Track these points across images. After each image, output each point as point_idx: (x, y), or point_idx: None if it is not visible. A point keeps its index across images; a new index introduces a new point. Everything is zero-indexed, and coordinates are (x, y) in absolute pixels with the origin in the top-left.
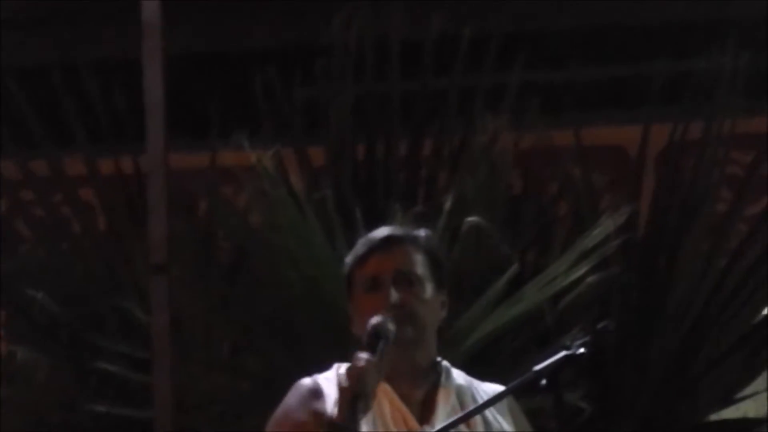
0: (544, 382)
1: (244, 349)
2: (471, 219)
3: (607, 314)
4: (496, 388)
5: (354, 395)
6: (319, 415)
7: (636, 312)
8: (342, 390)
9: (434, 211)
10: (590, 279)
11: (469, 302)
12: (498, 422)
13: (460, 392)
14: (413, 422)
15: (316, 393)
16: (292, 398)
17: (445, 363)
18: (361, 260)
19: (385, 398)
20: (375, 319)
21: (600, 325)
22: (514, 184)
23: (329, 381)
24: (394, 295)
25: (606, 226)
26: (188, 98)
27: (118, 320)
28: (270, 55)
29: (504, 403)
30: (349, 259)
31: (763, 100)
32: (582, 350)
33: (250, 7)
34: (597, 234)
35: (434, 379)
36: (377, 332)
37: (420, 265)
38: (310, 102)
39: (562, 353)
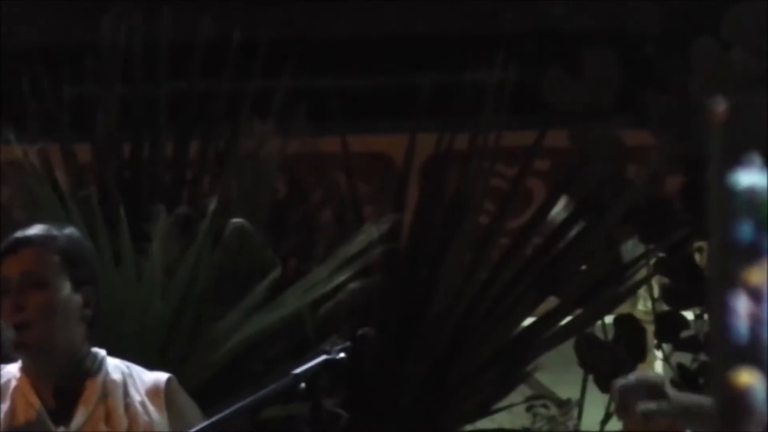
0: (302, 386)
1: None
2: (235, 221)
3: (368, 322)
4: (156, 377)
5: None
6: None
7: (397, 321)
8: None
9: (198, 212)
10: (352, 286)
11: (229, 306)
12: (148, 414)
13: (109, 389)
14: (48, 423)
15: None
16: None
17: (99, 357)
18: None
19: (21, 397)
20: None
21: (360, 332)
22: (279, 190)
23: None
24: (16, 298)
25: (369, 234)
26: None
27: None
28: (39, 51)
29: (161, 394)
30: None
31: (529, 115)
32: (342, 355)
33: (19, 4)
34: (360, 242)
35: (80, 377)
36: None
37: (50, 266)
38: (77, 99)
39: (322, 357)
